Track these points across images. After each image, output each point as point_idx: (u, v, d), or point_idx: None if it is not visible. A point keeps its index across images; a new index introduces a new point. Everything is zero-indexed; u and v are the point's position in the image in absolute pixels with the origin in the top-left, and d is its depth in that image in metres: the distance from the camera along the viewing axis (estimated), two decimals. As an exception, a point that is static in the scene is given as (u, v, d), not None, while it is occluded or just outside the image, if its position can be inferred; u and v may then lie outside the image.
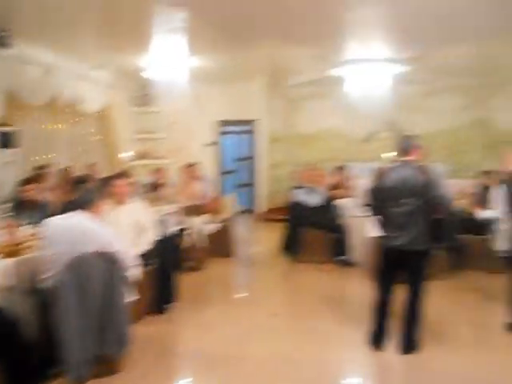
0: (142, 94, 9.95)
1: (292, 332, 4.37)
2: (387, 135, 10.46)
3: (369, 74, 8.16)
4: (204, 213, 6.61)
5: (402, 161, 3.75)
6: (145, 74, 7.90)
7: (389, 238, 3.74)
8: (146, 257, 4.38)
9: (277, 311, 4.86)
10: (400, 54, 7.55)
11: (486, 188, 6.34)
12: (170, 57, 7.18)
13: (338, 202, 6.80)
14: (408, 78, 9.49)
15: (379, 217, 3.87)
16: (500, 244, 6.04)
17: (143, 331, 4.16)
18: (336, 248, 6.54)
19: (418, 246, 3.65)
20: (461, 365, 3.66)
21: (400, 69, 8.27)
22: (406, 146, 3.75)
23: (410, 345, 3.79)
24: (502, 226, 6.02)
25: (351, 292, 5.67)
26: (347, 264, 6.41)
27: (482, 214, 6.13)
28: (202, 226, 6.42)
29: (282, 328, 4.47)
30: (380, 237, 3.89)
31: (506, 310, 4.29)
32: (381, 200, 3.77)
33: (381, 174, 3.88)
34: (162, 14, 5.43)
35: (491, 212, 6.10)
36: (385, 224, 3.80)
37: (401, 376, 3.59)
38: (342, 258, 6.49)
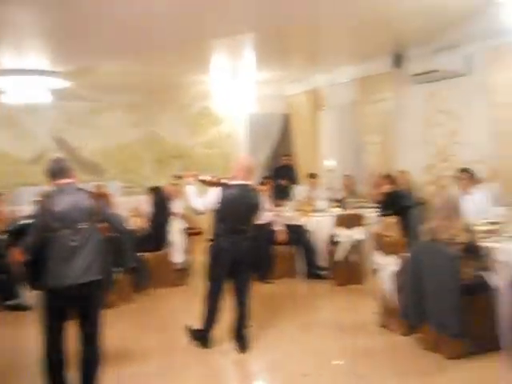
0: None
1: None
2: (58, 154, 9.73)
3: (29, 87, 7.32)
4: None
5: (65, 184, 3.22)
6: None
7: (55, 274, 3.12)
8: None
9: None
10: (58, 67, 7.02)
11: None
12: None
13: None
14: (74, 94, 9.05)
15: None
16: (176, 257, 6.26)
17: None
18: (3, 292, 5.56)
19: (93, 276, 3.16)
20: None
21: (62, 83, 7.70)
22: (61, 169, 3.24)
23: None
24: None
25: (25, 343, 4.70)
26: (18, 309, 5.49)
27: None
28: None
29: None
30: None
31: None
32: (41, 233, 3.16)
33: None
34: None
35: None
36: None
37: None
38: (11, 302, 5.55)
